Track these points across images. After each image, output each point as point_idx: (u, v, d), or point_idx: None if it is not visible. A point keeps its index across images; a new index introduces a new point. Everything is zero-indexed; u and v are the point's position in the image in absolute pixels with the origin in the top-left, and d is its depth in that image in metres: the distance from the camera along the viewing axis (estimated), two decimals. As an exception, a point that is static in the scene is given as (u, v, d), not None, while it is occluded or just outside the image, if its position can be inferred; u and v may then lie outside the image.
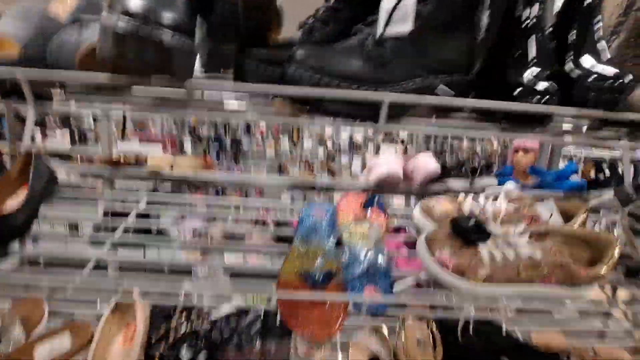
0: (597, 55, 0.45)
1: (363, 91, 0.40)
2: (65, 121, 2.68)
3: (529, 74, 0.45)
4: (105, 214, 0.95)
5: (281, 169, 2.96)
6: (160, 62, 0.36)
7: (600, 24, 0.47)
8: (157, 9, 0.35)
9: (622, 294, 0.82)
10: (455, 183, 1.07)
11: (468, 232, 0.51)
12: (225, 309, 0.75)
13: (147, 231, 0.96)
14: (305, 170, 2.70)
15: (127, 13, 0.34)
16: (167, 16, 0.35)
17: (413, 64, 0.42)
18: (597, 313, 0.94)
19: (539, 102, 0.44)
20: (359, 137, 3.20)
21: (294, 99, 0.43)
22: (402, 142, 3.20)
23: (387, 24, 0.42)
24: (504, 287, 0.51)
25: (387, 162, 1.01)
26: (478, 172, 1.08)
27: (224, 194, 2.80)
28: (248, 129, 3.11)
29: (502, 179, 1.13)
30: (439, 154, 2.97)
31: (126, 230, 0.94)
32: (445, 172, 1.11)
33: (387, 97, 0.39)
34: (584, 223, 0.58)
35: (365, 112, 0.41)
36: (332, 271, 0.49)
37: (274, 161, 3.14)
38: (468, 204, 0.61)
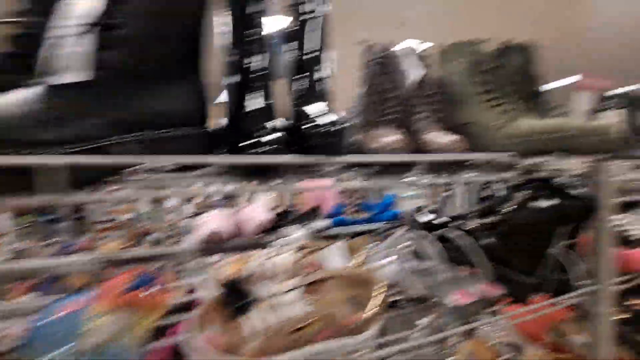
0: (321, 104, 0.47)
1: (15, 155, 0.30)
2: None
3: (260, 125, 0.43)
4: None
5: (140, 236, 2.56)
6: None
7: (324, 74, 0.49)
8: None
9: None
10: (290, 230, 1.04)
11: (231, 301, 0.45)
12: None
13: None
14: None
15: None
16: None
17: (102, 118, 0.35)
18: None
19: (269, 152, 0.42)
20: (228, 189, 3.07)
21: None
22: (276, 188, 3.20)
23: (63, 71, 0.34)
24: (282, 357, 0.45)
25: (209, 221, 0.93)
26: (307, 216, 1.09)
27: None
28: (93, 193, 2.61)
29: (336, 219, 1.16)
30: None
31: None
32: (281, 219, 1.09)
33: (57, 159, 0.30)
34: (363, 261, 0.59)
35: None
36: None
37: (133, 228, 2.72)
38: (253, 263, 0.56)
